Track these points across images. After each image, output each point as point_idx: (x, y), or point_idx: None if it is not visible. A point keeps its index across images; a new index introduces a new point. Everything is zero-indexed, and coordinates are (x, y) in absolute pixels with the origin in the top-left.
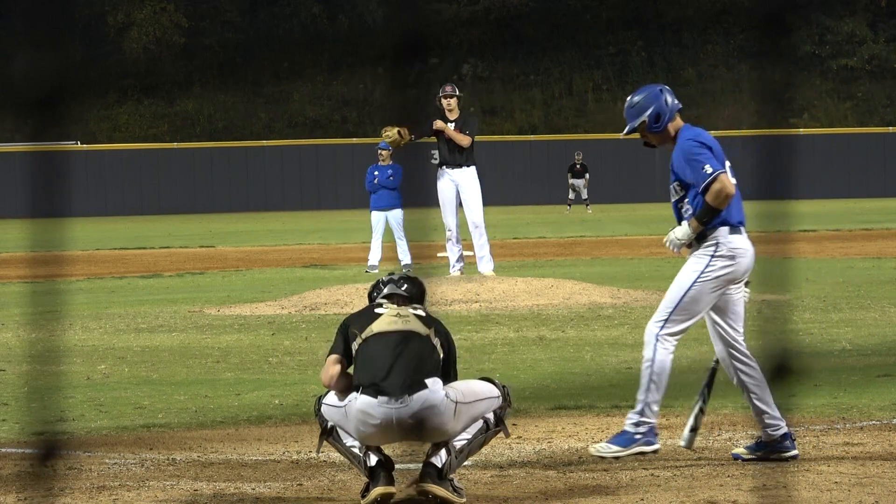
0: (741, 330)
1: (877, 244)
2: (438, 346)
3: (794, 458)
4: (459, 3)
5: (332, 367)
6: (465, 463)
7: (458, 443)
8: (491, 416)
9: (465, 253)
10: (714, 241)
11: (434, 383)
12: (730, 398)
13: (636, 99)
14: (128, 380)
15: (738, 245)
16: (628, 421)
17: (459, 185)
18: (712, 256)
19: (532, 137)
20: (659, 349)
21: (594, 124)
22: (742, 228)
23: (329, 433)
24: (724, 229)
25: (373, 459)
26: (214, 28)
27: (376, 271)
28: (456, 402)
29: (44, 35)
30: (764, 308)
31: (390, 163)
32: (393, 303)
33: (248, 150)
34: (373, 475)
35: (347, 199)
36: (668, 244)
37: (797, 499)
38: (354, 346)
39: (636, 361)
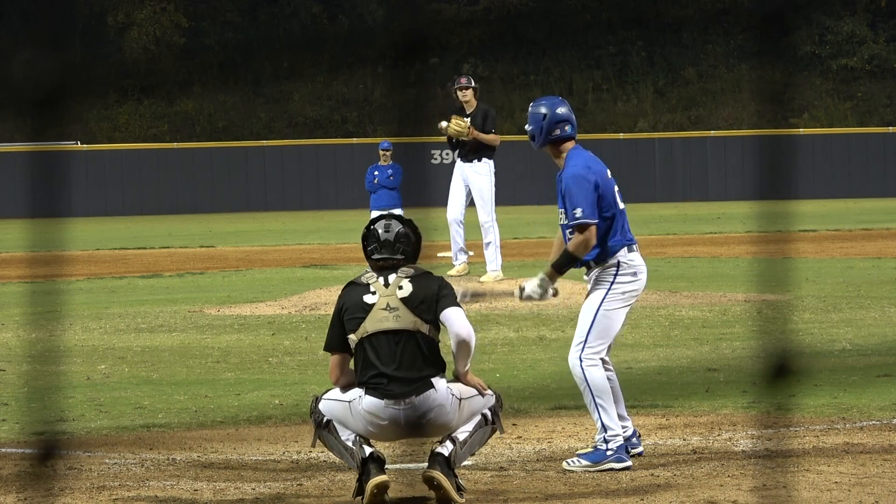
0: (612, 342)
1: (877, 244)
2: (431, 330)
3: (639, 454)
4: (459, 3)
5: (336, 370)
6: (466, 463)
7: (461, 435)
8: (487, 412)
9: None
10: (615, 262)
11: (438, 381)
12: (729, 398)
13: (532, 109)
14: (128, 380)
15: (638, 262)
16: (597, 438)
17: (469, 181)
18: (616, 275)
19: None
20: (587, 370)
21: (594, 124)
22: (636, 246)
23: (325, 427)
24: (623, 249)
25: (366, 451)
26: (214, 28)
27: None
28: (460, 398)
29: (44, 35)
30: (764, 308)
31: (390, 163)
32: (382, 266)
33: (248, 150)
34: (364, 468)
35: (347, 199)
36: (525, 300)
37: (797, 499)
38: (351, 341)
39: (636, 361)
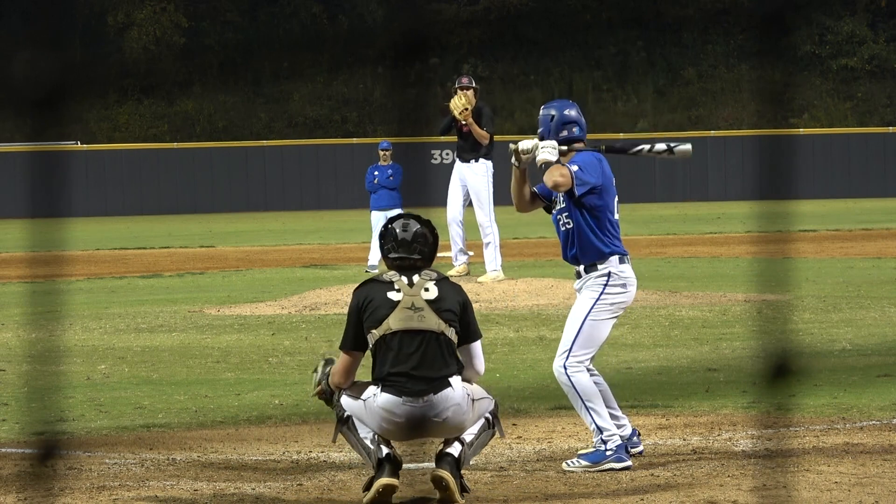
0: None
1: (877, 244)
2: (453, 334)
3: (640, 453)
4: (459, 3)
5: (343, 373)
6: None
7: (468, 436)
8: (489, 415)
9: (469, 252)
10: (606, 271)
11: (455, 380)
12: (729, 398)
13: (542, 111)
14: (128, 380)
15: (629, 274)
16: (595, 439)
17: (466, 181)
18: (605, 285)
19: (532, 137)
20: (573, 377)
21: (594, 124)
22: (628, 259)
23: (345, 422)
24: (615, 259)
25: (383, 451)
26: (214, 28)
27: (376, 271)
28: (473, 399)
29: (44, 35)
30: (764, 308)
31: (390, 163)
32: (399, 266)
33: (248, 150)
34: (380, 467)
35: (347, 199)
36: (539, 152)
37: (797, 499)
38: (370, 338)
39: (636, 361)
